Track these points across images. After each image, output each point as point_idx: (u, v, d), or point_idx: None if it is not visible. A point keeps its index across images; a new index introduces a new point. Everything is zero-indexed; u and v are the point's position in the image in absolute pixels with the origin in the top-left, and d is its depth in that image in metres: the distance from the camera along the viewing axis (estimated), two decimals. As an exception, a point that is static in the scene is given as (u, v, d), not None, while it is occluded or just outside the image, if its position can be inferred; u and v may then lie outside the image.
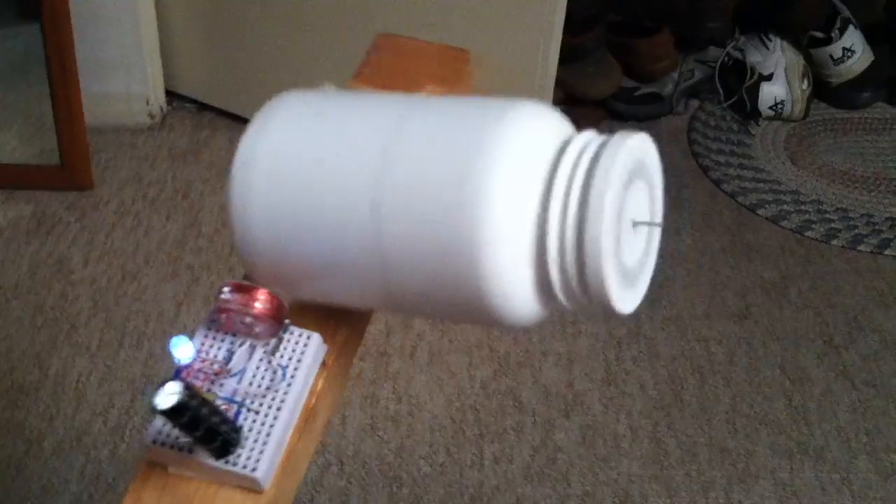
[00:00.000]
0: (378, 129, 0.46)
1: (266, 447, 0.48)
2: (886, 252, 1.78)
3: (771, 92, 2.03)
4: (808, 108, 2.05)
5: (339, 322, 0.53)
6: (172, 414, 0.44)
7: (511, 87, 1.64)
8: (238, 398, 0.49)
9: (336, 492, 1.33)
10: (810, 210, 1.86)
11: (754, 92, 2.03)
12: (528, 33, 1.59)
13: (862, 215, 1.85)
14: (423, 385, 1.47)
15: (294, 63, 1.80)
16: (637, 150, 0.45)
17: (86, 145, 1.74)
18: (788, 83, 2.03)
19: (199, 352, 0.50)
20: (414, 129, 0.46)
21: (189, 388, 0.43)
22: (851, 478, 1.41)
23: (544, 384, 1.49)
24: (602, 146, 0.44)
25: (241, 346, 0.50)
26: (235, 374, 0.49)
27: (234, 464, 0.47)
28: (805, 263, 1.75)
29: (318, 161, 0.47)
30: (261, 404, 0.49)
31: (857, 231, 1.82)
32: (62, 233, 1.68)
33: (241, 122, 1.92)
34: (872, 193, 1.91)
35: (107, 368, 1.45)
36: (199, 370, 0.49)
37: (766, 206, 1.86)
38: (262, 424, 0.48)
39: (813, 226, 1.82)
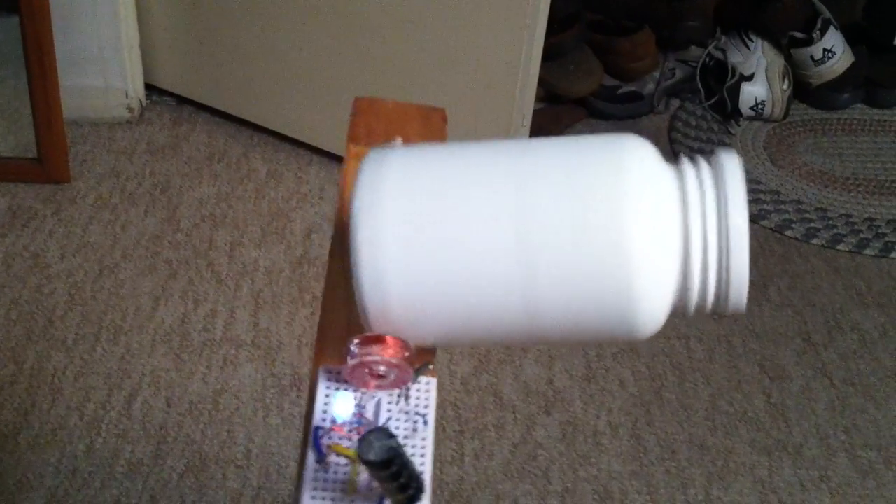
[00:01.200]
0: (502, 180, 0.47)
1: (424, 495, 0.47)
2: (865, 252, 1.79)
3: (751, 92, 2.04)
4: (788, 109, 2.06)
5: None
6: (384, 465, 0.43)
7: (493, 84, 1.64)
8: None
9: (315, 488, 1.32)
10: (790, 209, 1.86)
11: (735, 92, 2.04)
12: (511, 31, 1.59)
13: (841, 215, 1.86)
14: (402, 381, 1.46)
15: (275, 58, 1.79)
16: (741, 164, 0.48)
17: (63, 139, 1.72)
18: (769, 83, 2.03)
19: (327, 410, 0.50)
20: (540, 179, 0.47)
21: (393, 437, 0.43)
22: (830, 475, 1.41)
23: (525, 381, 1.49)
24: (718, 169, 0.47)
25: (367, 398, 0.50)
26: (342, 423, 0.49)
27: None
28: (784, 262, 1.76)
29: (452, 220, 0.47)
30: (406, 450, 0.48)
31: (836, 231, 1.82)
32: (38, 226, 1.66)
33: (221, 116, 1.91)
34: (851, 193, 1.92)
35: (83, 363, 1.44)
36: (346, 433, 0.48)
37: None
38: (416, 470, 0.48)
39: (792, 225, 1.83)
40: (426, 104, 0.69)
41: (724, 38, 2.09)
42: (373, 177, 0.48)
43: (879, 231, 1.83)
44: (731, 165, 0.47)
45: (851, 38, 2.10)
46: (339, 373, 0.51)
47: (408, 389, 0.50)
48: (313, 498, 0.47)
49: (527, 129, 1.70)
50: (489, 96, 1.65)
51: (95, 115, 1.88)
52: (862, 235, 1.82)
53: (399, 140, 0.55)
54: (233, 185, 1.78)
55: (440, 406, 1.43)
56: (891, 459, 1.44)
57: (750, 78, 2.04)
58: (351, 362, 0.48)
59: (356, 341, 0.48)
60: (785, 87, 2.04)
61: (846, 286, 1.72)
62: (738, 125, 2.06)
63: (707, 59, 2.08)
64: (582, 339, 0.50)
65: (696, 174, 0.48)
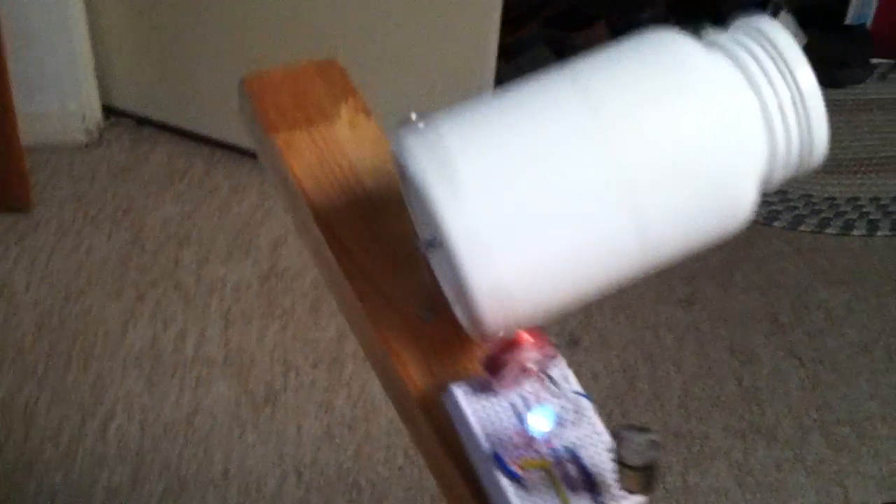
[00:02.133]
0: (575, 122, 0.46)
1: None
2: (826, 231, 1.81)
3: (707, 78, 2.05)
4: (743, 93, 2.08)
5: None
6: (652, 466, 0.41)
7: (450, 86, 1.64)
8: (569, 445, 0.46)
9: (295, 502, 1.32)
10: (751, 193, 1.88)
11: (690, 79, 2.05)
12: (465, 32, 1.60)
13: (801, 196, 1.88)
14: (378, 389, 1.46)
15: (233, 71, 1.78)
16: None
17: (23, 166, 1.71)
18: (723, 69, 2.05)
19: (498, 422, 0.47)
20: (611, 105, 0.46)
21: (645, 429, 0.42)
22: (804, 454, 1.43)
23: (498, 380, 1.49)
24: (762, 38, 0.48)
25: (521, 396, 0.47)
26: (544, 437, 0.46)
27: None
28: (748, 246, 1.77)
29: (548, 188, 0.45)
30: (585, 436, 0.46)
31: (797, 212, 1.84)
32: (2, 256, 1.65)
33: (182, 134, 1.90)
34: (811, 175, 1.94)
35: (55, 392, 1.43)
36: (522, 444, 0.46)
37: (708, 191, 1.88)
38: (607, 451, 0.46)
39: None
40: (314, 60, 0.64)
41: (678, 28, 2.10)
42: (438, 166, 0.45)
43: (839, 210, 1.85)
44: (775, 31, 0.49)
45: (803, 20, 2.12)
46: (481, 385, 0.47)
47: (558, 373, 0.48)
48: None
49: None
50: (446, 99, 1.65)
51: (54, 140, 1.87)
52: (823, 215, 1.84)
53: (412, 114, 0.50)
54: (196, 202, 1.77)
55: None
56: (864, 434, 1.46)
57: (705, 65, 2.05)
58: (508, 370, 0.46)
59: (493, 353, 0.46)
60: (739, 71, 2.06)
61: (810, 266, 1.74)
62: (696, 112, 2.08)
63: (661, 49, 2.09)
64: (689, 251, 0.49)
65: (745, 50, 0.48)
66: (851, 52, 2.15)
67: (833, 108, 1.96)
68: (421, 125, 0.47)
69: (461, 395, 0.47)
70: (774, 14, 2.06)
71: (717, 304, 1.65)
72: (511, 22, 1.88)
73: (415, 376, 0.51)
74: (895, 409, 1.50)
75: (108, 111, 1.93)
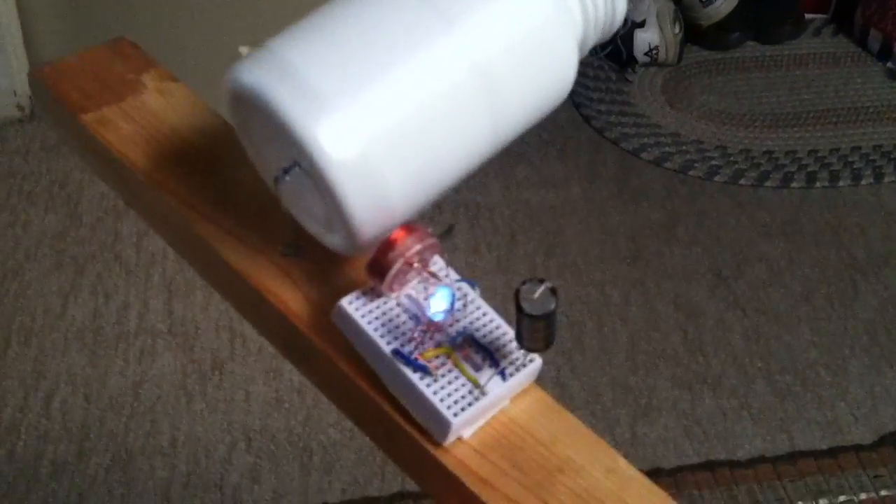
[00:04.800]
0: (426, 28, 0.47)
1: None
2: (766, 184, 1.83)
3: (644, 38, 2.06)
4: (681, 52, 2.09)
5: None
6: (552, 315, 0.44)
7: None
8: (462, 330, 0.48)
9: (246, 468, 1.31)
10: (691, 150, 1.90)
11: (628, 40, 2.06)
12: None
13: (740, 151, 1.90)
14: (325, 354, 1.46)
15: (167, 37, 1.76)
16: None
17: (-48, 143, 1.67)
18: (661, 29, 2.06)
19: (392, 325, 0.47)
20: (455, 8, 0.48)
21: (543, 280, 0.43)
22: (750, 402, 1.45)
23: (446, 341, 1.49)
24: None
25: (407, 296, 0.48)
26: (445, 318, 0.47)
27: (530, 360, 0.48)
28: (690, 202, 1.79)
29: (408, 93, 0.46)
30: (476, 319, 0.48)
31: (737, 166, 1.86)
32: (-65, 235, 1.61)
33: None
34: (749, 129, 1.96)
35: (-5, 368, 1.40)
36: (419, 338, 0.47)
37: (649, 149, 1.89)
38: (498, 328, 0.48)
39: (695, 165, 1.86)
40: (104, 42, 0.65)
41: (613, -12, 2.10)
42: (294, 88, 0.44)
43: (778, 163, 1.88)
44: None
45: (737, -22, 2.13)
46: (370, 290, 0.48)
47: (441, 260, 0.49)
48: (451, 410, 0.45)
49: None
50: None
51: (-16, 116, 1.82)
52: (762, 168, 1.86)
53: (244, 49, 0.49)
54: (134, 175, 1.74)
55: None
56: (807, 381, 1.49)
57: (642, 24, 2.06)
58: (395, 268, 0.47)
59: (379, 254, 0.47)
60: (676, 30, 2.07)
61: (751, 219, 1.76)
62: (635, 72, 2.09)
63: (599, 10, 2.10)
64: (530, 124, 0.52)
65: None
66: (785, 8, 2.18)
67: (769, 63, 1.98)
68: (260, 54, 0.46)
69: (351, 308, 0.48)
70: (709, -27, 2.07)
71: (661, 260, 1.66)
72: None
73: (295, 309, 0.51)
74: (837, 356, 1.53)
75: (40, 85, 1.89)
